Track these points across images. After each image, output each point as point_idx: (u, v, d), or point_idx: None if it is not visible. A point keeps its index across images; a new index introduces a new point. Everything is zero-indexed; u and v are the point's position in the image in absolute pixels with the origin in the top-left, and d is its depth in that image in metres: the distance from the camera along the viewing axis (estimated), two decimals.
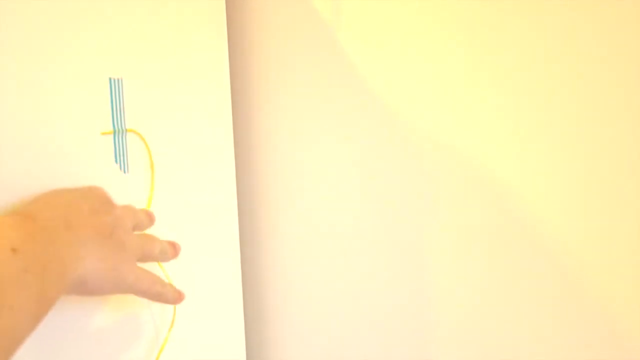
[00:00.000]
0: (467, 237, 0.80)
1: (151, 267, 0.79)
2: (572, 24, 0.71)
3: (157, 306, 0.79)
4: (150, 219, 0.72)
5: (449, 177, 0.81)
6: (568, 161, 0.73)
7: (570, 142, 0.73)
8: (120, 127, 0.74)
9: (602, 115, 0.71)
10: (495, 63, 0.76)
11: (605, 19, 0.69)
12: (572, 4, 0.71)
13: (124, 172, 0.75)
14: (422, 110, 0.82)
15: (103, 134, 0.72)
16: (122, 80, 0.74)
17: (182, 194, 0.82)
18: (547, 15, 0.72)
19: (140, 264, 0.66)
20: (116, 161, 0.74)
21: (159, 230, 0.80)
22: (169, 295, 0.69)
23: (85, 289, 0.58)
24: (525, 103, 0.75)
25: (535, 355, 0.78)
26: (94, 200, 0.63)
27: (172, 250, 0.72)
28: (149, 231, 0.80)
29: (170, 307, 0.79)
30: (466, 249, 0.81)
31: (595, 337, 0.74)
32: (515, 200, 0.77)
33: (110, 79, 0.72)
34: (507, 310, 0.79)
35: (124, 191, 0.75)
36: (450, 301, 0.83)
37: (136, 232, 0.69)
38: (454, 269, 0.82)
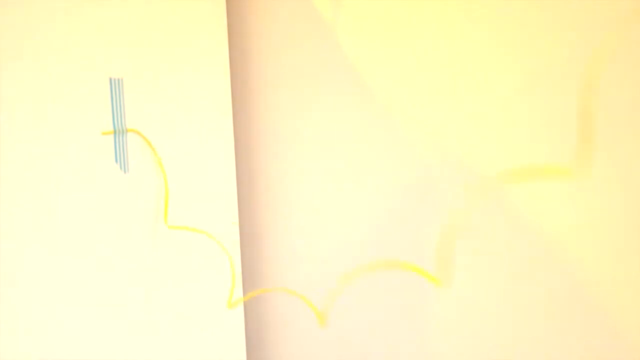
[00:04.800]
0: (468, 237, 0.80)
1: (206, 243, 0.79)
2: (578, 27, 0.71)
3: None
4: None
5: (449, 176, 0.81)
6: (570, 161, 0.73)
7: (572, 142, 0.73)
8: (120, 127, 0.74)
9: (607, 115, 0.71)
10: (497, 62, 0.76)
11: (611, 17, 0.69)
12: (577, 4, 0.71)
13: (124, 172, 0.75)
14: (423, 110, 0.82)
15: (103, 134, 0.72)
16: (122, 80, 0.74)
17: (182, 194, 0.82)
18: (550, 15, 0.72)
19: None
20: (116, 161, 0.74)
21: (160, 230, 0.80)
22: None
23: None
24: (528, 102, 0.75)
25: (536, 355, 0.78)
26: None
27: None
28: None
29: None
30: (467, 248, 0.81)
31: (596, 337, 0.74)
32: (516, 200, 0.77)
33: (110, 79, 0.72)
34: (507, 310, 0.79)
35: (124, 191, 0.75)
36: (451, 300, 0.83)
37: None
38: (455, 268, 0.82)
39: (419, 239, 0.84)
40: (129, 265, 0.75)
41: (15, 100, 0.64)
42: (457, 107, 0.79)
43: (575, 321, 0.75)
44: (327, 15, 0.87)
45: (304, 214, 0.93)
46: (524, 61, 0.74)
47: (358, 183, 0.88)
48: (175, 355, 0.82)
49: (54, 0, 0.66)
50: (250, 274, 1.00)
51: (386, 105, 0.84)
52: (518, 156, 0.76)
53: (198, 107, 0.84)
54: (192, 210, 0.84)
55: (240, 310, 0.92)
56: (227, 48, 0.90)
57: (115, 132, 0.73)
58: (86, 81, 0.70)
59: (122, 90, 0.74)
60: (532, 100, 0.74)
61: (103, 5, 0.71)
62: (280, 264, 0.97)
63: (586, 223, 0.73)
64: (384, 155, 0.86)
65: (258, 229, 0.98)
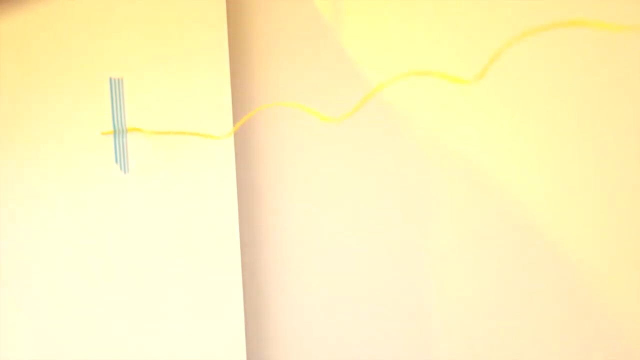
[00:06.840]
0: (467, 239, 0.80)
1: None
2: (571, 27, 0.71)
3: None
4: None
5: (448, 178, 0.81)
6: (569, 163, 0.73)
7: (571, 144, 0.73)
8: (120, 127, 0.73)
9: (603, 116, 0.71)
10: (497, 64, 0.76)
11: (604, 18, 0.69)
12: (571, 5, 0.71)
13: (124, 172, 0.75)
14: (423, 110, 0.82)
15: (103, 134, 0.72)
16: (122, 80, 0.74)
17: (182, 194, 0.82)
18: (548, 17, 0.72)
19: None
20: (116, 161, 0.74)
21: (160, 230, 0.80)
22: None
23: None
24: (526, 104, 0.75)
25: (536, 356, 0.78)
26: None
27: None
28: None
29: None
30: (466, 250, 0.81)
31: (595, 337, 0.74)
32: (515, 202, 0.77)
33: (110, 79, 0.72)
34: (507, 311, 0.79)
35: (124, 191, 0.75)
36: (450, 302, 0.83)
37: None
38: (454, 270, 0.82)
39: (419, 240, 0.84)
40: (129, 265, 0.75)
41: (15, 100, 0.64)
42: (458, 108, 0.79)
43: (573, 320, 0.75)
44: (327, 15, 0.87)
45: (304, 215, 0.93)
46: (526, 63, 0.74)
47: (359, 184, 0.88)
48: (176, 354, 0.82)
49: (54, 1, 0.66)
50: (250, 275, 1.00)
51: (387, 105, 0.84)
52: (519, 159, 0.76)
53: (198, 107, 0.84)
54: (192, 209, 0.84)
55: (240, 309, 0.92)
56: (227, 48, 0.90)
57: (115, 132, 0.73)
58: (86, 81, 0.70)
59: (122, 90, 0.74)
60: (535, 103, 0.74)
61: (103, 6, 0.71)
62: (280, 265, 0.97)
63: (587, 224, 0.73)
64: (385, 156, 0.86)
65: (258, 228, 0.98)
